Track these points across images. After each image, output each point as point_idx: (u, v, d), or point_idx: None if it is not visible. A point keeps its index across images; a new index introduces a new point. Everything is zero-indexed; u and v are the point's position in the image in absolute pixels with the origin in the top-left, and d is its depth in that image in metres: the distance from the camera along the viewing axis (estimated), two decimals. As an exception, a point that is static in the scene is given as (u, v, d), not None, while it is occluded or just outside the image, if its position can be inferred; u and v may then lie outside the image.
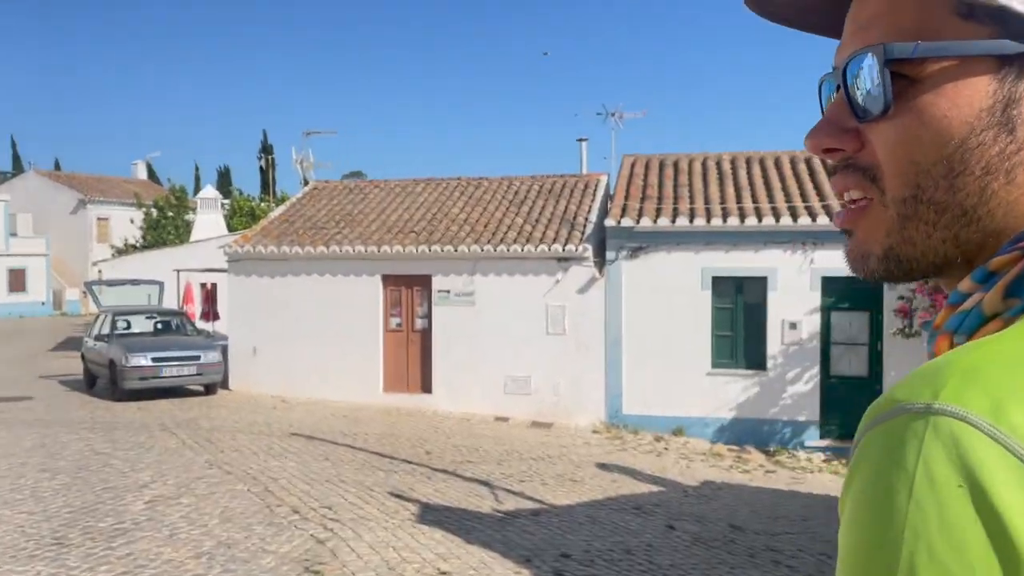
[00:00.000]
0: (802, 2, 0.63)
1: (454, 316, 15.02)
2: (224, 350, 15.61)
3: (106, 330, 15.44)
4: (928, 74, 0.54)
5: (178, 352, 14.55)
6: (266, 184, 54.82)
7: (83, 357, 16.66)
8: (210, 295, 21.86)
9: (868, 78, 0.56)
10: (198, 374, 14.64)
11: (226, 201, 41.11)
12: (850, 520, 0.47)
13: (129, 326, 15.91)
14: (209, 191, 34.20)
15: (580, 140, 19.09)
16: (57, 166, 58.24)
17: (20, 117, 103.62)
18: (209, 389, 15.16)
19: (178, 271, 21.00)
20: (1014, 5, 0.52)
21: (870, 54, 0.56)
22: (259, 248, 15.61)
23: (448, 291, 15.08)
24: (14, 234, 43.89)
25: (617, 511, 8.56)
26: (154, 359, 14.24)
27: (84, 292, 16.46)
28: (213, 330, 17.34)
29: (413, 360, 15.47)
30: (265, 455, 9.84)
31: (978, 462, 0.42)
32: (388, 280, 15.50)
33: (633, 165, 17.12)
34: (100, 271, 27.13)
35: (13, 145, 68.54)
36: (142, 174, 58.64)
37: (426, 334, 15.34)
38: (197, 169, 65.58)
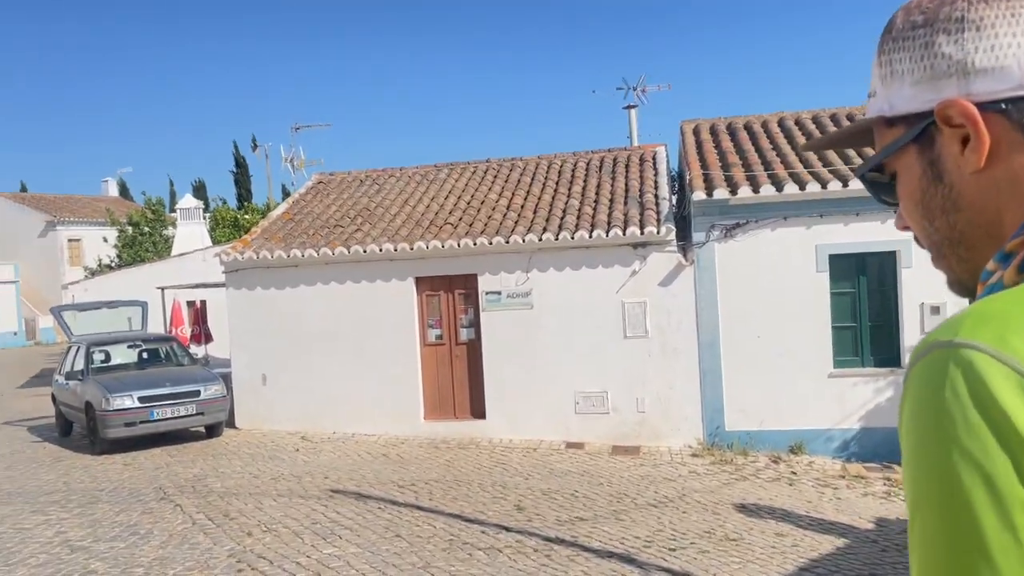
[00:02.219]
0: (838, 142, 0.98)
1: (507, 322, 12.28)
2: (227, 379, 12.77)
3: (80, 365, 12.54)
4: (891, 169, 0.84)
5: (171, 388, 11.69)
6: (241, 196, 51.79)
7: (54, 399, 13.75)
8: (199, 314, 18.93)
9: (871, 183, 0.87)
10: (198, 413, 11.78)
11: (207, 213, 38.08)
12: (905, 432, 0.65)
13: (108, 358, 13.02)
14: (189, 200, 31.17)
15: (628, 108, 16.37)
16: (23, 188, 54.77)
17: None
18: (213, 431, 12.31)
19: (162, 289, 18.04)
20: (912, 109, 0.78)
21: (863, 173, 0.87)
22: (263, 254, 12.77)
23: (499, 292, 12.33)
24: (-22, 261, 40.70)
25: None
26: (142, 399, 11.38)
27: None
28: (207, 354, 14.53)
29: (459, 379, 12.70)
30: (311, 535, 7.04)
31: (987, 377, 0.59)
32: (423, 283, 12.73)
33: (696, 132, 14.46)
34: (72, 295, 24.05)
35: (-26, 169, 64.84)
36: (114, 191, 55.41)
37: (473, 346, 12.59)
38: (172, 184, 62.27)
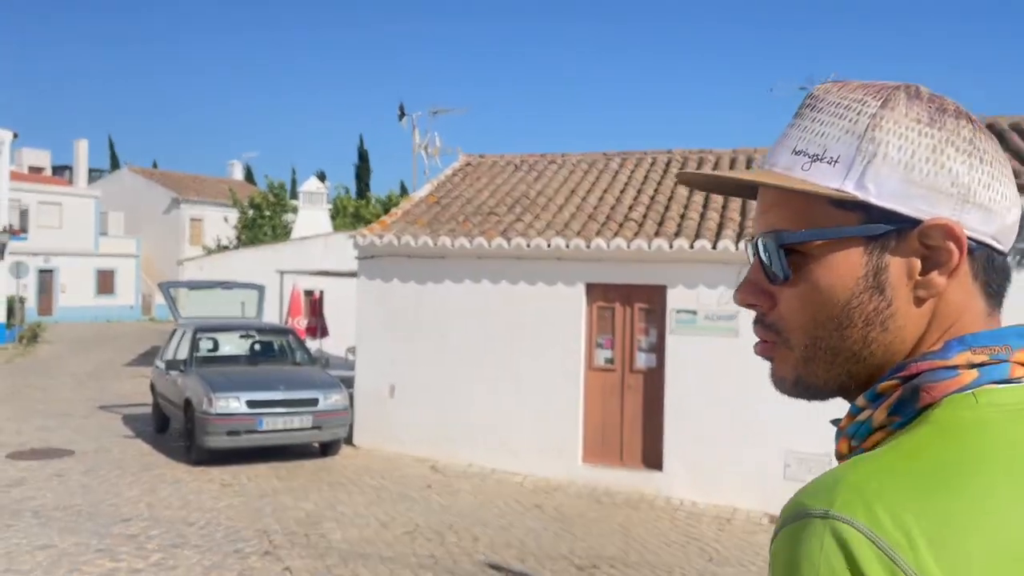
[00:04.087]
0: (721, 187, 0.87)
1: (702, 350, 9.61)
2: (346, 385, 10.60)
3: (183, 353, 10.63)
4: (815, 251, 0.72)
5: (286, 392, 9.58)
6: (361, 190, 50.93)
7: (152, 388, 11.96)
8: (317, 305, 17.07)
9: (770, 255, 0.74)
10: (314, 427, 9.63)
11: (328, 205, 36.91)
12: None
13: (216, 348, 11.10)
14: (314, 184, 29.81)
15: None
16: (155, 165, 55.68)
17: (119, 117, 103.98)
18: (328, 448, 10.15)
19: (282, 273, 16.25)
20: (871, 200, 0.70)
21: (770, 238, 0.74)
22: (405, 239, 10.55)
23: (694, 311, 9.68)
24: (104, 233, 40.98)
25: None
26: (251, 403, 9.31)
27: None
28: (323, 354, 12.53)
29: (630, 415, 10.11)
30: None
31: (860, 555, 0.58)
32: (596, 291, 10.22)
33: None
34: (188, 273, 22.79)
35: (111, 145, 67.21)
36: (238, 174, 55.75)
37: (653, 376, 9.98)
38: (294, 172, 62.67)
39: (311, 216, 28.71)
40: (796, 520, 0.62)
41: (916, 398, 0.67)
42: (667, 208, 10.80)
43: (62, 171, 46.94)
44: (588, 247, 9.88)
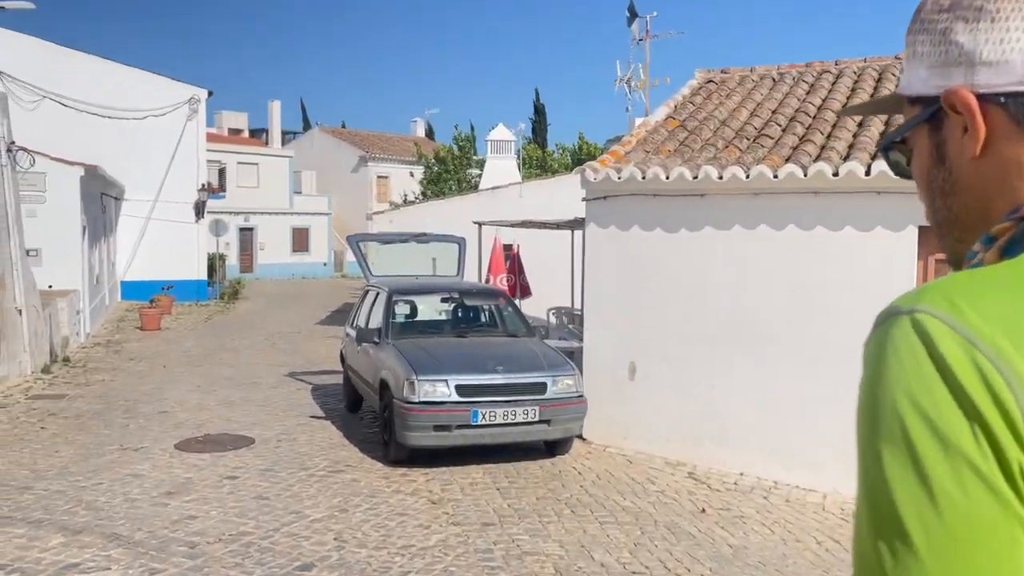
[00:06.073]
0: (877, 108, 1.05)
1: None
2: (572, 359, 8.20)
3: (377, 320, 8.66)
4: (914, 147, 0.82)
5: (506, 376, 7.31)
6: (540, 145, 48.67)
7: (342, 359, 10.19)
8: (515, 261, 14.88)
9: (886, 154, 0.89)
10: (542, 421, 7.30)
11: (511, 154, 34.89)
12: (862, 384, 0.67)
13: (414, 315, 9.07)
14: (502, 131, 27.70)
15: None
16: (343, 126, 56.29)
17: (310, 81, 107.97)
18: (556, 447, 7.83)
19: (479, 224, 14.16)
20: (905, 92, 0.82)
21: (883, 140, 0.93)
22: (653, 172, 7.90)
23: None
24: (298, 192, 41.53)
25: None
26: (462, 389, 7.12)
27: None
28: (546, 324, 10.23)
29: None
30: None
31: (940, 341, 0.62)
32: (931, 239, 7.10)
33: None
34: (376, 227, 21.44)
35: (303, 107, 68.99)
36: (420, 132, 55.34)
37: None
38: (472, 128, 61.70)
39: (499, 166, 26.69)
40: (883, 321, 0.67)
41: None
42: None
43: (259, 134, 48.18)
44: (928, 173, 6.78)
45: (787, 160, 7.54)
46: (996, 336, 0.61)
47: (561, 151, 38.95)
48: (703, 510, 6.58)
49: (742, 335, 7.81)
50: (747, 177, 7.46)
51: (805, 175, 7.22)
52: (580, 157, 38.52)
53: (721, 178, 7.58)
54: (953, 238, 0.80)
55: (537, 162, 35.77)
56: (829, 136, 8.06)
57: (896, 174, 0.88)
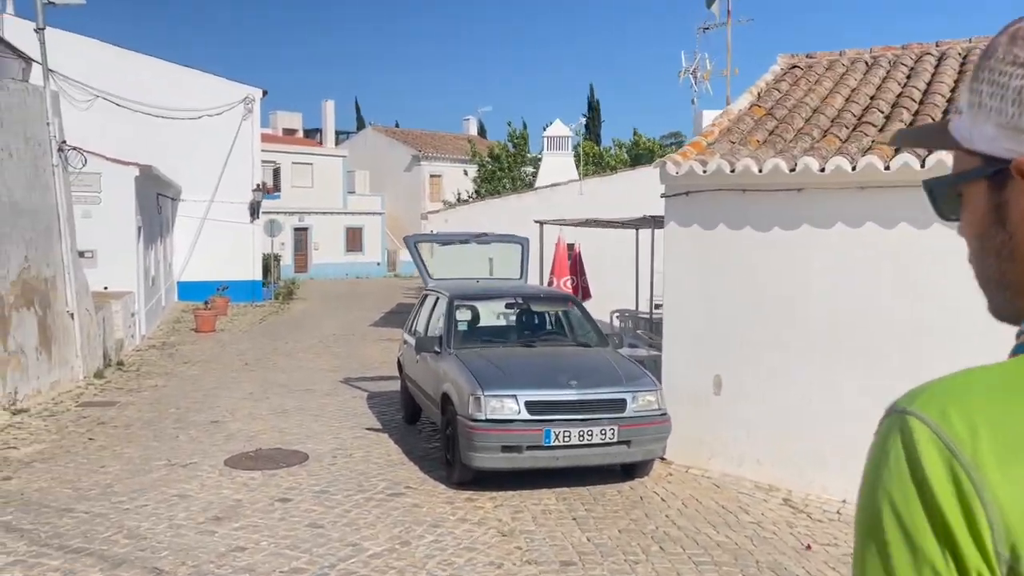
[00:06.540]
0: (924, 140, 0.99)
1: None
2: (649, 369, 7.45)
3: (437, 328, 8.05)
4: (964, 193, 0.79)
5: (581, 392, 6.62)
6: (594, 142, 47.76)
7: (400, 367, 9.62)
8: (577, 262, 14.16)
9: (931, 196, 0.85)
10: (620, 442, 6.58)
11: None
12: (862, 476, 0.70)
13: (476, 321, 8.43)
14: (559, 127, 26.95)
15: None
16: (397, 125, 56.16)
17: (364, 81, 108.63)
18: (635, 469, 7.10)
19: (541, 223, 13.48)
20: (968, 146, 0.77)
21: (928, 184, 0.84)
22: (743, 165, 7.12)
23: None
24: (352, 192, 41.41)
25: None
26: (532, 406, 6.46)
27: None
28: (621, 332, 9.49)
29: None
30: None
31: (920, 444, 0.64)
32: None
33: None
34: (431, 227, 20.92)
35: (357, 107, 69.18)
36: (473, 130, 54.92)
37: None
38: (525, 126, 61.15)
39: (556, 162, 25.95)
40: (887, 415, 0.70)
41: None
42: None
43: (313, 134, 48.28)
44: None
45: (897, 150, 6.69)
46: (979, 445, 0.63)
47: (618, 147, 38.08)
48: (808, 547, 5.80)
49: (843, 345, 6.99)
50: (853, 169, 6.63)
51: (922, 166, 6.36)
52: (638, 152, 37.68)
53: (823, 170, 6.76)
54: (1003, 299, 0.78)
55: (594, 159, 34.95)
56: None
57: (936, 211, 0.84)
